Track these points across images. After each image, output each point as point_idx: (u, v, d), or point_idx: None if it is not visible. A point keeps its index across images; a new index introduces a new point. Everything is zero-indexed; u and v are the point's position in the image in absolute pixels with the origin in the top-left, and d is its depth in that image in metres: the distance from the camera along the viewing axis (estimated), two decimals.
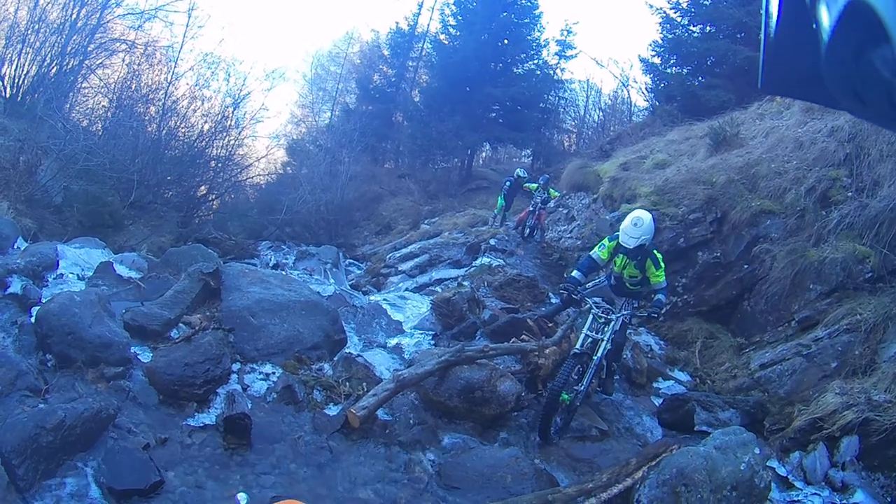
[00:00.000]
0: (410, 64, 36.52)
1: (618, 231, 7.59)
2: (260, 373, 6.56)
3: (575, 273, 7.84)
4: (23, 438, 4.48)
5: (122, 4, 23.50)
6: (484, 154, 36.82)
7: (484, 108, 30.50)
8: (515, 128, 29.64)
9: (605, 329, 7.26)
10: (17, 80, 20.32)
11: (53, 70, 20.62)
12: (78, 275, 8.51)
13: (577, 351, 7.08)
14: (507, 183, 18.05)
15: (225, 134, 23.56)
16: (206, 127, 22.92)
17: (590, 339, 7.16)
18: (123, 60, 23.61)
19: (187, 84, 23.63)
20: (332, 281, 14.43)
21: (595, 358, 7.11)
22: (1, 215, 10.56)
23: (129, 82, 22.59)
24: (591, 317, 7.37)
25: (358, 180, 29.52)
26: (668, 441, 6.49)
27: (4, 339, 6.19)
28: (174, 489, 4.81)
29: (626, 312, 7.60)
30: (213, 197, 23.68)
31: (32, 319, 6.33)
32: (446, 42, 32.15)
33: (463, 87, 29.62)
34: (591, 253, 7.95)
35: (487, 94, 29.44)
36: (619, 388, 8.24)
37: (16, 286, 7.12)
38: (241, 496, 4.53)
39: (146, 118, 21.35)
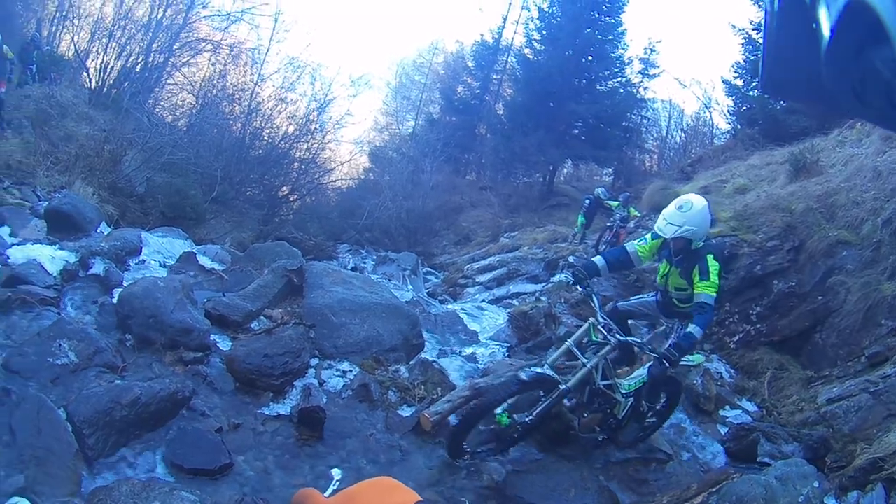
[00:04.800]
0: (494, 77, 36.62)
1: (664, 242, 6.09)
2: (337, 370, 6.56)
3: (597, 259, 6.32)
4: (97, 410, 4.61)
5: (208, 6, 24.32)
6: (565, 170, 36.52)
7: (567, 125, 30.33)
8: (597, 145, 29.38)
9: (597, 352, 5.68)
10: (102, 73, 21.12)
11: (139, 65, 21.41)
12: (160, 262, 8.73)
13: (537, 373, 5.52)
14: (588, 201, 17.88)
15: (309, 137, 23.81)
16: (291, 129, 23.23)
17: (561, 360, 5.79)
18: (209, 60, 24.28)
19: (273, 86, 24.09)
20: (410, 287, 14.40)
21: (562, 388, 5.48)
22: (86, 200, 10.96)
23: (214, 81, 23.16)
24: (584, 328, 5.92)
25: (439, 190, 29.57)
26: (730, 469, 6.31)
27: (85, 316, 6.35)
28: (242, 472, 4.88)
29: (661, 339, 6.26)
30: (295, 198, 23.87)
31: (114, 300, 6.51)
32: (531, 56, 32.03)
33: (546, 103, 29.55)
34: (627, 244, 6.53)
35: (571, 111, 29.36)
36: (685, 413, 7.91)
37: (98, 268, 7.36)
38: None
39: (231, 117, 21.87)
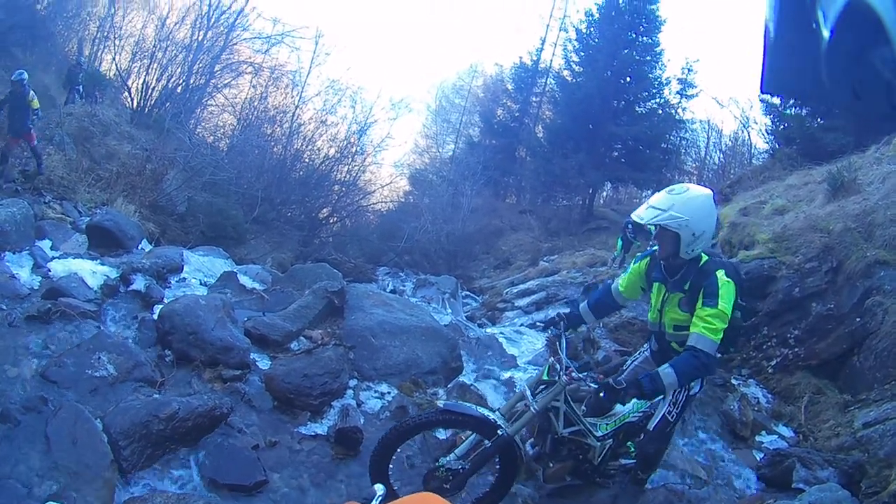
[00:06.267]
0: (534, 99, 36.63)
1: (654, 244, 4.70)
2: (375, 391, 6.57)
3: (582, 305, 5.43)
4: (134, 423, 4.68)
5: (249, 29, 24.63)
6: (605, 193, 36.28)
7: (606, 147, 30.18)
8: (637, 168, 29.15)
9: (545, 393, 4.55)
10: (143, 93, 21.76)
11: (180, 86, 21.91)
12: (200, 280, 8.92)
13: (463, 406, 4.85)
14: (628, 224, 17.70)
15: (350, 159, 23.99)
16: (332, 151, 23.42)
17: (518, 404, 4.79)
18: (250, 82, 24.59)
19: (314, 108, 24.32)
20: (449, 311, 14.31)
21: (500, 433, 4.46)
22: (128, 217, 11.24)
23: (255, 103, 23.45)
24: (542, 369, 4.85)
25: (479, 213, 29.56)
26: (764, 495, 6.38)
27: (124, 330, 6.50)
28: (277, 490, 4.89)
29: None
30: (335, 220, 24.05)
31: (155, 316, 6.66)
32: (569, 78, 31.94)
33: (586, 125, 29.47)
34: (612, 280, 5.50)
35: (610, 133, 29.23)
36: (721, 440, 7.78)
37: (139, 284, 7.55)
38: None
39: (272, 139, 22.12)
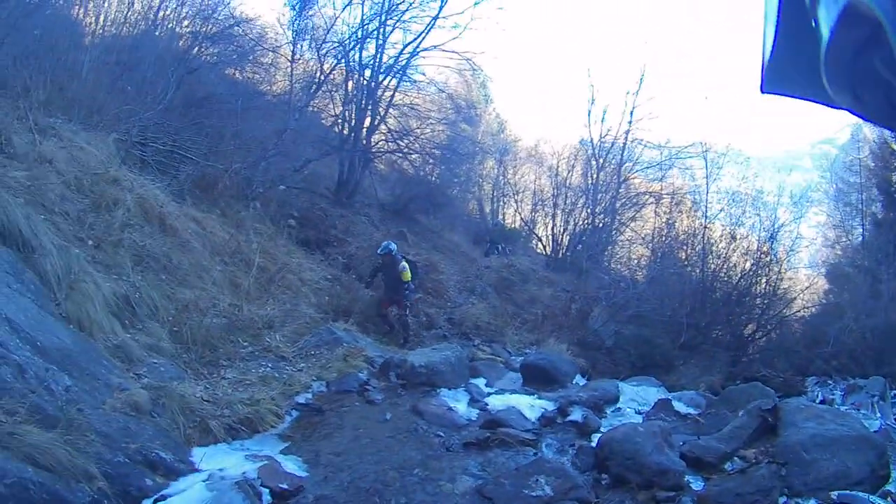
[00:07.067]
0: None
1: None
2: None
3: None
4: None
5: (639, 161, 25.26)
6: None
7: None
8: None
9: None
10: (553, 240, 23.36)
11: (587, 228, 22.92)
12: (635, 409, 9.27)
13: None
14: None
15: (766, 269, 23.24)
16: (748, 265, 22.86)
17: None
18: (654, 211, 24.93)
19: (721, 225, 24.01)
20: (878, 415, 13.13)
21: None
22: (560, 354, 11.84)
23: (663, 231, 23.73)
24: None
25: None
26: None
27: (561, 457, 6.92)
28: None
29: None
30: (761, 335, 23.18)
31: (593, 444, 7.07)
32: None
33: None
34: None
35: None
36: None
37: (576, 415, 8.03)
38: None
39: (688, 262, 22.32)
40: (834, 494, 4.51)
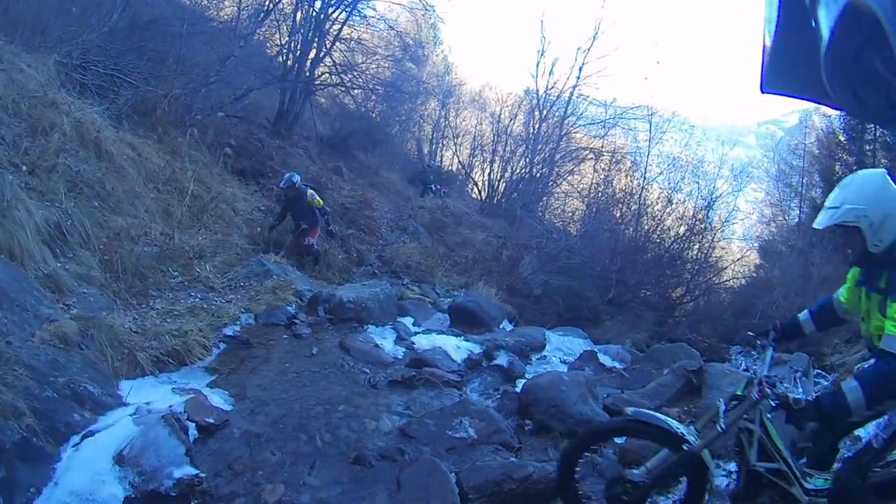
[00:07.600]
0: (867, 147, 33.54)
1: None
2: (724, 469, 6.29)
3: (801, 314, 4.71)
4: (487, 480, 4.96)
5: (583, 116, 25.51)
6: None
7: None
8: None
9: (750, 413, 3.96)
10: (489, 185, 23.62)
11: (524, 177, 23.28)
12: (560, 359, 9.38)
13: (649, 415, 4.25)
14: None
15: (699, 236, 23.60)
16: (682, 230, 23.21)
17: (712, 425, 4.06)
18: (593, 167, 25.12)
19: (659, 188, 24.19)
20: (800, 390, 13.37)
21: (686, 447, 3.99)
22: (489, 299, 11.93)
23: (600, 187, 23.88)
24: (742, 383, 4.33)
25: (830, 283, 26.95)
26: None
27: (486, 400, 6.94)
28: None
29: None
30: (689, 299, 23.62)
31: (517, 390, 7.08)
32: None
33: None
34: None
35: None
36: None
37: (502, 359, 8.10)
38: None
39: (622, 221, 22.43)
40: (630, 410, 4.26)
